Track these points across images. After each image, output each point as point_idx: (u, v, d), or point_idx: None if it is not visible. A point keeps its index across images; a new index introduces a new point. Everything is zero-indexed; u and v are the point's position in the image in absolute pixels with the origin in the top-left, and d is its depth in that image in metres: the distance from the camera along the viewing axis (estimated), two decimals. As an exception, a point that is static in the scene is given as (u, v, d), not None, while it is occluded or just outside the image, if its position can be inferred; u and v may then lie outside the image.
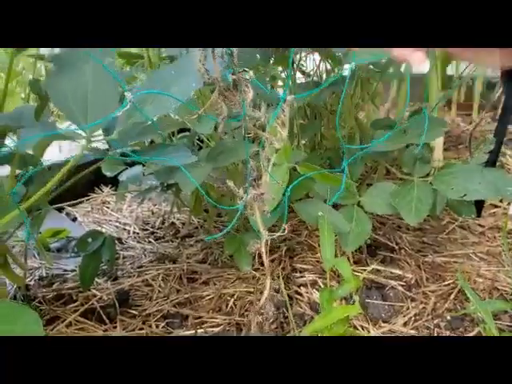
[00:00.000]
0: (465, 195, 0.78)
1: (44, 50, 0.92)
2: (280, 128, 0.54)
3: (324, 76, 1.05)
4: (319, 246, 0.72)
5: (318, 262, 0.94)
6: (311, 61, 1.07)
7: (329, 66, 1.05)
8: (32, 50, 0.90)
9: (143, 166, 1.01)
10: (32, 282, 0.95)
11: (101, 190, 1.44)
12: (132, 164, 1.06)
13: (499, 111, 0.97)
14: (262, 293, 0.82)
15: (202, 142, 1.05)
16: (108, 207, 1.33)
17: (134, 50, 1.16)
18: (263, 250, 0.58)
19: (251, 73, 0.46)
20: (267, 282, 0.62)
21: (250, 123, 0.52)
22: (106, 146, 0.61)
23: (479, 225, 1.07)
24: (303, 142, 1.14)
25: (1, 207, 0.56)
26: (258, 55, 0.81)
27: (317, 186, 0.80)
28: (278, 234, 0.57)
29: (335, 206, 0.80)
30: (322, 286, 0.86)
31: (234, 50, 0.43)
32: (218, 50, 0.43)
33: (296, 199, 0.78)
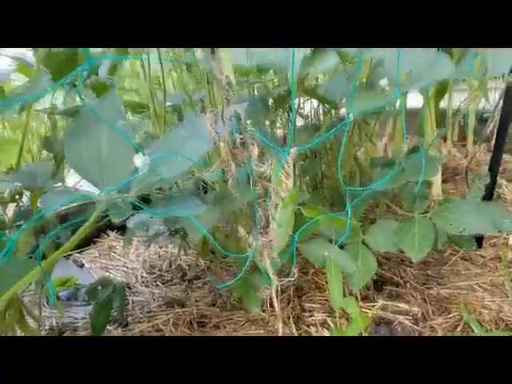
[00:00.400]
0: (464, 230, 0.80)
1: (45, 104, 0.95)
2: (285, 178, 0.57)
3: (321, 118, 1.09)
4: (327, 283, 0.73)
5: (326, 300, 0.95)
6: (309, 104, 1.11)
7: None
8: (39, 106, 0.94)
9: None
10: (43, 333, 0.95)
11: (107, 234, 1.46)
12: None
13: (492, 144, 1.01)
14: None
15: (206, 183, 1.07)
16: (115, 252, 1.35)
17: (137, 99, 1.21)
18: (274, 295, 0.60)
19: (256, 132, 0.49)
20: (279, 326, 0.64)
21: (256, 175, 0.55)
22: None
23: (481, 255, 1.09)
24: (304, 179, 1.17)
25: (16, 265, 0.58)
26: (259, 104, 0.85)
27: (322, 227, 0.82)
28: (288, 279, 0.59)
29: (340, 245, 0.83)
30: (332, 325, 0.86)
31: (241, 113, 0.46)
32: (227, 114, 0.47)
33: (302, 240, 0.80)
